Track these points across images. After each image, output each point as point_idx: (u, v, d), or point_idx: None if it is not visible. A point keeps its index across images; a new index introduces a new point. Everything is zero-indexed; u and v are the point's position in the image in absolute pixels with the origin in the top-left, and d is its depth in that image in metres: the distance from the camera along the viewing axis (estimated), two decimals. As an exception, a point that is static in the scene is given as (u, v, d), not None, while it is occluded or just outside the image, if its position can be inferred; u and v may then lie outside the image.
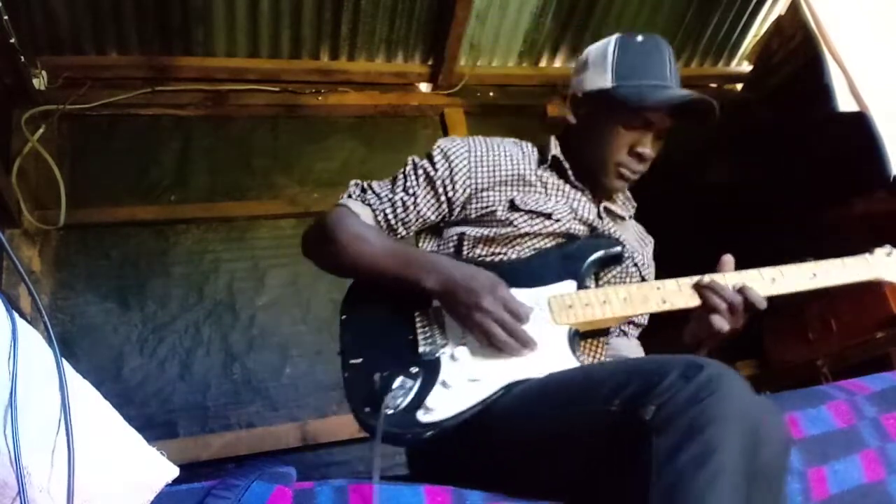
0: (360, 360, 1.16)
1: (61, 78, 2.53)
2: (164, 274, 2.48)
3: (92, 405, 0.79)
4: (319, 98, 2.84)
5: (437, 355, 1.14)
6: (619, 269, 1.36)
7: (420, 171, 1.34)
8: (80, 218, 2.43)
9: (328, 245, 1.26)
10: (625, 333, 1.42)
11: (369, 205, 1.32)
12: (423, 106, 3.00)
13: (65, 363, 0.77)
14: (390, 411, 1.05)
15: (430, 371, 1.12)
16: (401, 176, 1.36)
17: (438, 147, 1.36)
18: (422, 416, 1.07)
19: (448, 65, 2.89)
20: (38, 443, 0.71)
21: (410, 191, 1.33)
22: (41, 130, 2.45)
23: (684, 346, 1.27)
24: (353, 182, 1.38)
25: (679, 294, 1.19)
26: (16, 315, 0.77)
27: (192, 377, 2.36)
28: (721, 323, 1.16)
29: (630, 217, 1.49)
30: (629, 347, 1.39)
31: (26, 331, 0.77)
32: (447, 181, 1.32)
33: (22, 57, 2.34)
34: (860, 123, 1.81)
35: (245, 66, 2.75)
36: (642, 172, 1.36)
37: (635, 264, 1.40)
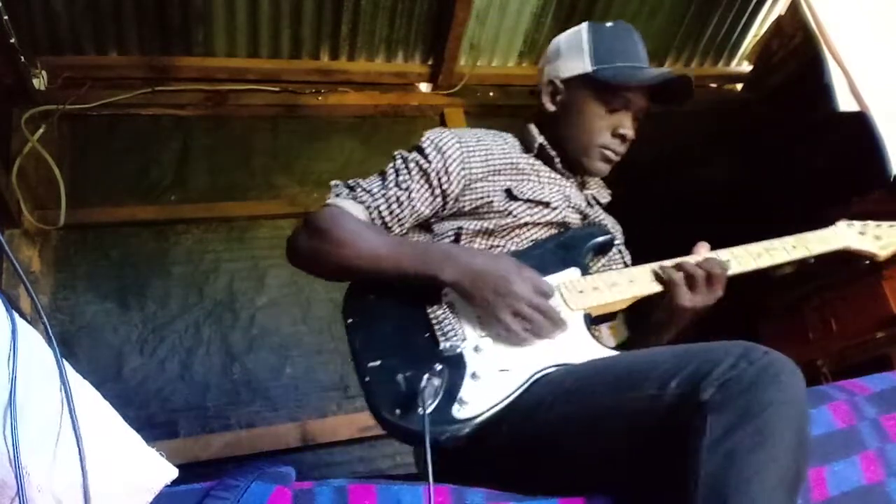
0: (378, 363, 1.10)
1: (61, 78, 2.52)
2: (164, 274, 2.47)
3: (91, 405, 0.79)
4: (319, 98, 2.84)
5: (459, 350, 1.10)
6: (608, 256, 1.38)
7: (412, 165, 1.29)
8: (80, 218, 2.43)
9: (324, 246, 1.20)
10: None
11: (362, 202, 1.26)
12: (423, 106, 2.99)
13: (65, 363, 0.77)
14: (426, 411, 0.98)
15: (455, 366, 1.07)
16: (391, 171, 1.31)
17: (428, 139, 1.32)
18: (457, 412, 1.02)
19: (448, 65, 2.89)
20: (38, 443, 0.72)
21: (404, 185, 1.27)
22: (41, 130, 2.45)
23: (652, 327, 1.28)
24: (335, 182, 1.31)
25: (678, 274, 1.21)
26: (16, 315, 0.77)
27: (192, 377, 2.36)
28: (685, 296, 1.19)
29: (605, 203, 1.50)
30: (604, 336, 1.39)
31: (26, 331, 0.77)
32: (442, 173, 1.28)
33: (22, 57, 2.34)
34: (860, 123, 1.81)
35: (245, 66, 2.75)
36: (623, 154, 1.38)
37: (619, 251, 1.42)
